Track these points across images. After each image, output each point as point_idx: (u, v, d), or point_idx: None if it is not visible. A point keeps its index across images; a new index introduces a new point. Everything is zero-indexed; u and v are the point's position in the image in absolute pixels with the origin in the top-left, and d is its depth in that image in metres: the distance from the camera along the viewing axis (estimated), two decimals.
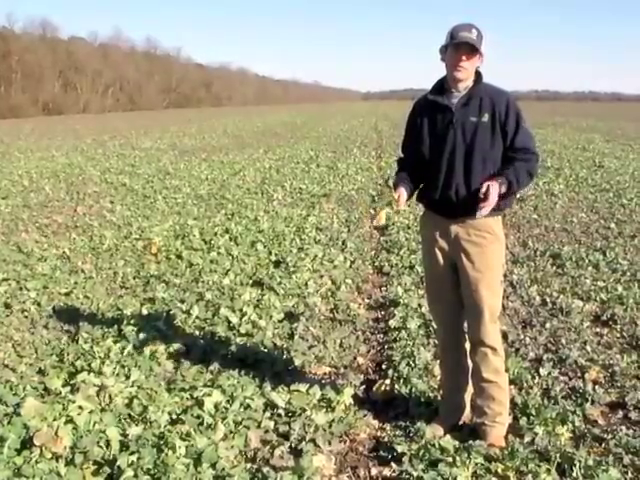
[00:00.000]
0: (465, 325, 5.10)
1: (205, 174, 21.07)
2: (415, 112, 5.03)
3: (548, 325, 7.49)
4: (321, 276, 9.40)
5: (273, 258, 10.40)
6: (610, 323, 7.62)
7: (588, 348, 6.84)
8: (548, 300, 8.34)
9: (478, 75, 4.81)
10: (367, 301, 8.65)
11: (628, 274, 9.45)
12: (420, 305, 7.88)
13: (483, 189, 4.53)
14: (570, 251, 10.82)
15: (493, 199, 4.52)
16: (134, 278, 9.43)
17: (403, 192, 4.86)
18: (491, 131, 4.73)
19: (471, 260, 4.81)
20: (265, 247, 11.08)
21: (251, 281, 9.11)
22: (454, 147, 4.76)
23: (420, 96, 5.13)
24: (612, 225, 13.03)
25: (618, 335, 7.30)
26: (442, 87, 4.87)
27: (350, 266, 10.10)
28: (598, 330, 7.44)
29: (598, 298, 8.39)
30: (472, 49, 4.64)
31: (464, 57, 4.63)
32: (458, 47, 4.63)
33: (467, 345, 5.12)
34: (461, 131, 4.74)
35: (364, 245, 11.59)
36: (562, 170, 21.43)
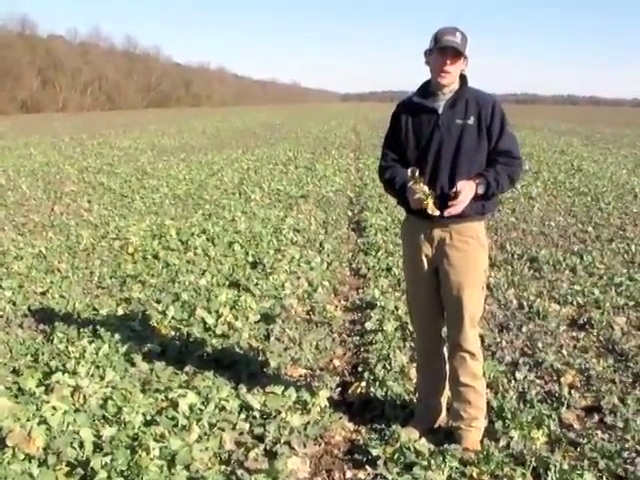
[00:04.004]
0: (444, 330, 5.10)
1: (183, 174, 21.00)
2: (399, 113, 4.98)
3: (525, 329, 7.51)
4: (298, 278, 9.38)
5: (250, 259, 10.36)
6: (586, 327, 7.65)
7: (564, 352, 6.87)
8: (525, 304, 8.36)
9: (463, 78, 4.82)
10: (344, 303, 8.65)
11: (605, 278, 9.50)
12: (397, 307, 7.89)
13: (457, 188, 4.55)
14: (547, 255, 10.85)
15: (464, 198, 4.55)
16: (110, 278, 9.37)
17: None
18: (477, 134, 4.73)
19: (454, 265, 4.80)
20: (242, 248, 11.04)
21: (228, 282, 9.08)
22: (440, 149, 4.74)
23: (403, 98, 5.10)
24: (589, 229, 13.09)
25: (594, 339, 7.33)
26: (427, 90, 4.85)
27: (327, 268, 10.09)
28: (574, 334, 7.47)
29: (575, 302, 8.42)
30: (457, 53, 4.64)
31: (448, 61, 4.63)
32: (443, 51, 4.63)
33: (445, 350, 5.12)
34: (447, 133, 4.73)
35: (341, 247, 11.59)
36: (540, 173, 21.52)
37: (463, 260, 4.80)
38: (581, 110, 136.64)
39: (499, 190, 4.73)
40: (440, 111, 4.76)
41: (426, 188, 4.57)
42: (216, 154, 27.82)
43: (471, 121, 4.72)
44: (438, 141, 4.75)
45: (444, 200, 4.64)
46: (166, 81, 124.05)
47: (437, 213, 4.58)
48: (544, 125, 56.73)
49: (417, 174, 4.60)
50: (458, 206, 4.58)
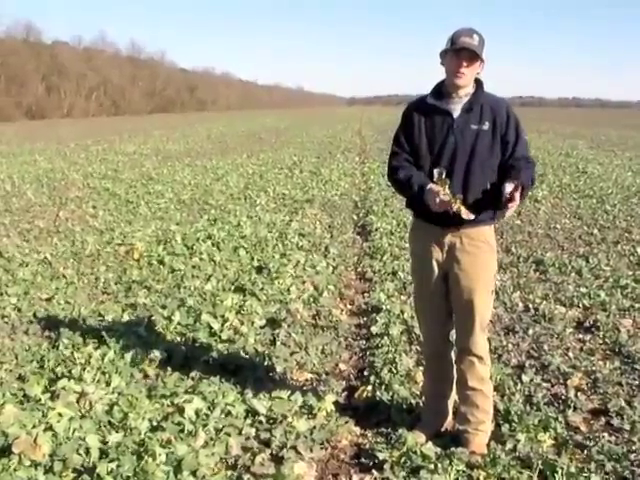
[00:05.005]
0: (452, 334, 5.08)
1: (188, 179, 20.99)
2: (412, 113, 4.89)
3: (531, 331, 7.49)
4: (303, 282, 9.36)
5: (255, 264, 10.34)
6: (593, 329, 7.63)
7: (570, 354, 6.85)
8: (531, 306, 8.35)
9: (478, 82, 4.76)
10: (349, 307, 8.63)
11: (611, 280, 9.47)
12: (402, 311, 7.87)
13: (508, 189, 4.37)
14: (553, 257, 10.84)
15: (518, 199, 4.39)
16: (116, 284, 9.36)
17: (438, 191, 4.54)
18: (491, 139, 4.68)
19: (465, 269, 4.78)
20: (247, 253, 11.03)
21: (233, 287, 9.06)
22: (454, 153, 4.68)
23: (413, 100, 5.04)
24: (595, 231, 13.07)
25: (600, 341, 7.31)
26: (441, 91, 4.79)
27: (332, 272, 10.07)
28: (581, 336, 7.45)
29: (581, 304, 8.41)
30: (473, 55, 4.57)
31: (464, 63, 4.57)
32: (458, 53, 4.57)
33: (453, 354, 5.11)
34: (461, 137, 4.68)
35: (347, 251, 11.58)
36: (546, 176, 21.45)
37: (474, 265, 4.79)
38: (586, 113, 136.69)
39: (526, 193, 4.57)
40: (456, 115, 4.71)
41: (449, 191, 4.47)
42: (221, 159, 27.82)
43: (486, 127, 4.68)
44: (452, 145, 4.69)
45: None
46: (171, 86, 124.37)
47: (472, 217, 4.51)
48: (549, 128, 56.62)
49: (444, 176, 4.53)
50: (514, 208, 4.47)
